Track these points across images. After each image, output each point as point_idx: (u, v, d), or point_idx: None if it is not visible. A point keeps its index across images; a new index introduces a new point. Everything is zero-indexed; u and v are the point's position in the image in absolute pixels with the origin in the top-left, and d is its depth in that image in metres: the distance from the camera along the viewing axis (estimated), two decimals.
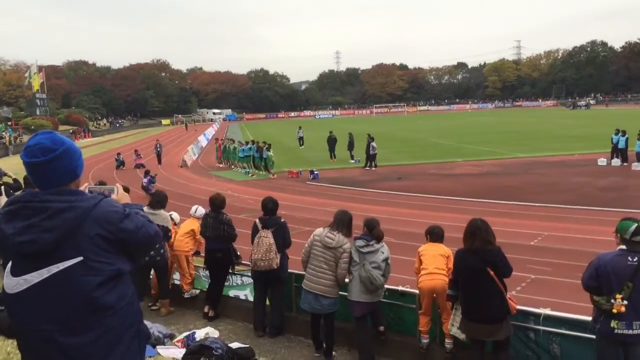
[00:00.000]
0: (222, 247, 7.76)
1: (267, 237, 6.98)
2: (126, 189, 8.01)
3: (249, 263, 7.44)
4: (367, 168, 26.56)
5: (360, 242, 6.22)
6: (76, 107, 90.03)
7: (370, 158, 26.67)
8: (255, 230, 7.15)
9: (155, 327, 6.10)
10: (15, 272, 2.17)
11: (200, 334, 6.00)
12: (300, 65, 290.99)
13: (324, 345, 6.50)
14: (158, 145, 34.63)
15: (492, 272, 5.10)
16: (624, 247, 4.50)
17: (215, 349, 5.37)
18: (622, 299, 4.34)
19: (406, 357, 6.34)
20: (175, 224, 8.68)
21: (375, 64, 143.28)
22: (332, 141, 31.24)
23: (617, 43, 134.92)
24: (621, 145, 24.59)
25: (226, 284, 8.17)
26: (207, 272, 8.19)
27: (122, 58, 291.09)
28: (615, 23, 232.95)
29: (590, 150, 28.46)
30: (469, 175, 23.50)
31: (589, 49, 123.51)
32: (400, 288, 6.61)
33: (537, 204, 16.46)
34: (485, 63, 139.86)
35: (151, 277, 8.43)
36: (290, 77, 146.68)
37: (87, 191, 2.51)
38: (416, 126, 61.43)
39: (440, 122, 66.89)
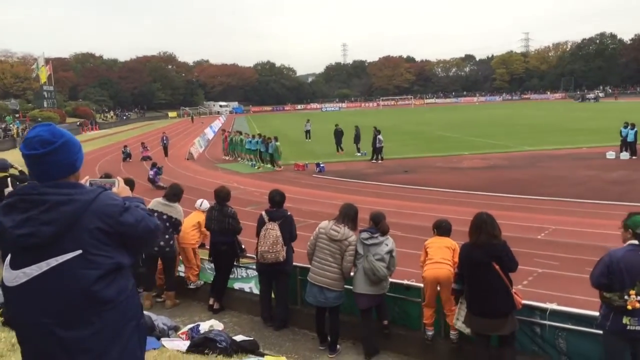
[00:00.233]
0: (226, 240, 7.75)
1: (273, 230, 6.96)
2: (131, 182, 8.08)
3: (253, 256, 7.42)
4: (373, 161, 26.50)
5: (365, 235, 6.25)
6: (83, 100, 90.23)
7: (377, 151, 26.59)
8: (261, 223, 7.13)
9: (160, 320, 6.10)
10: (14, 265, 2.15)
11: (204, 326, 6.00)
12: (307, 58, 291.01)
13: (329, 338, 6.49)
14: (164, 138, 34.66)
15: (497, 267, 5.06)
16: (635, 242, 4.42)
17: (220, 342, 5.38)
18: (636, 294, 4.28)
19: (411, 351, 6.32)
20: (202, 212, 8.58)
21: (382, 57, 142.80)
22: (338, 134, 31.18)
23: (626, 35, 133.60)
24: (630, 138, 24.38)
25: (231, 276, 8.17)
26: (212, 265, 8.19)
27: (129, 50, 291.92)
28: (625, 15, 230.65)
29: (599, 144, 28.24)
30: (475, 168, 23.38)
31: (598, 41, 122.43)
32: (405, 282, 6.59)
33: (544, 198, 16.36)
34: (493, 55, 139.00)
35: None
36: (297, 70, 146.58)
37: (88, 184, 2.49)
38: (423, 119, 61.18)
39: (447, 115, 66.58)
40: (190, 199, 9.29)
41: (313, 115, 56.83)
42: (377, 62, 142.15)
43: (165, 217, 7.81)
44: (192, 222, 8.41)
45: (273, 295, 7.42)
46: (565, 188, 17.76)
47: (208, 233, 8.16)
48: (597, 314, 4.77)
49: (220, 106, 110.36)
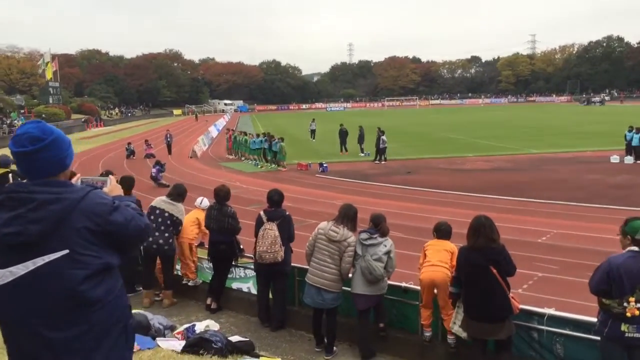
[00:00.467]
0: (225, 240, 7.72)
1: (272, 230, 6.93)
2: (131, 179, 8.07)
3: (252, 255, 7.40)
4: (376, 162, 26.46)
5: (364, 235, 6.24)
6: (89, 96, 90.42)
7: (380, 152, 26.55)
8: (259, 223, 7.10)
9: (156, 319, 6.09)
10: (0, 264, 2.13)
11: (200, 326, 5.98)
12: (313, 57, 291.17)
13: (325, 340, 6.47)
14: (168, 136, 34.70)
15: (495, 270, 5.02)
16: (634, 248, 4.37)
17: (215, 342, 5.36)
18: (635, 301, 4.24)
19: (408, 354, 6.28)
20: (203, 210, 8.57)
21: (388, 57, 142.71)
22: (343, 134, 31.15)
23: (633, 39, 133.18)
24: (635, 142, 24.26)
25: (229, 276, 8.14)
26: (211, 264, 8.17)
27: (135, 47, 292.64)
28: (633, 18, 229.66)
29: (604, 147, 28.15)
30: (479, 170, 23.32)
31: (604, 44, 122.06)
32: (403, 284, 6.55)
33: (547, 201, 16.29)
34: (499, 57, 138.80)
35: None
36: (302, 69, 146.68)
37: (79, 182, 2.47)
38: (427, 120, 61.08)
39: (451, 117, 66.47)
40: (192, 197, 9.27)
41: (318, 114, 56.74)
42: (383, 63, 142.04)
43: (167, 214, 7.81)
44: (191, 218, 8.41)
45: (271, 296, 7.40)
46: (568, 191, 17.68)
47: (207, 232, 8.14)
48: (595, 320, 4.72)
49: (225, 104, 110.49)
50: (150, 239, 7.75)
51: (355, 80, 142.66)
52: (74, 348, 2.15)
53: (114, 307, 2.26)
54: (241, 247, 8.08)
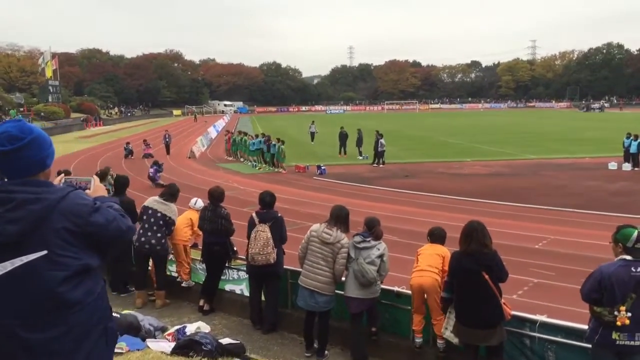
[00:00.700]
0: (219, 241, 7.70)
1: (264, 232, 6.90)
2: (125, 179, 8.04)
3: (244, 257, 7.37)
4: (374, 165, 26.43)
5: (357, 238, 6.24)
6: (88, 95, 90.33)
7: (379, 155, 26.52)
8: (251, 225, 7.07)
9: (146, 320, 6.05)
10: None
11: (191, 328, 5.95)
12: (313, 59, 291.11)
13: (317, 343, 6.43)
14: (167, 136, 34.65)
15: (487, 276, 5.00)
16: (626, 257, 4.34)
17: (205, 344, 5.32)
18: (626, 310, 4.21)
19: (400, 359, 6.25)
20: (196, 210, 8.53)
21: (388, 60, 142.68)
22: (343, 137, 31.12)
23: (633, 46, 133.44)
24: (633, 149, 24.26)
25: (222, 278, 8.11)
26: (204, 265, 8.14)
27: (135, 47, 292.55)
28: (633, 25, 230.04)
29: (602, 154, 28.14)
30: (477, 175, 23.30)
31: (604, 51, 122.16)
32: (395, 289, 6.53)
33: (544, 207, 16.26)
34: (499, 62, 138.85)
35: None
36: (303, 71, 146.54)
37: (63, 182, 2.44)
38: (426, 124, 61.08)
39: (451, 121, 66.47)
40: (188, 198, 9.24)
41: (317, 117, 56.67)
42: (383, 66, 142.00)
43: (159, 214, 7.79)
44: (185, 219, 8.39)
45: (263, 298, 7.36)
46: (565, 198, 17.66)
47: (201, 233, 8.11)
48: (586, 327, 4.70)
49: (225, 105, 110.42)
50: (143, 239, 7.74)
51: (355, 83, 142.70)
52: (53, 350, 2.12)
53: (94, 309, 2.23)
54: (235, 248, 8.05)
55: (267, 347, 6.59)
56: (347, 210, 6.44)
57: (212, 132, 48.53)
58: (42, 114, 58.18)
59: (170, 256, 8.39)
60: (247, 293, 7.82)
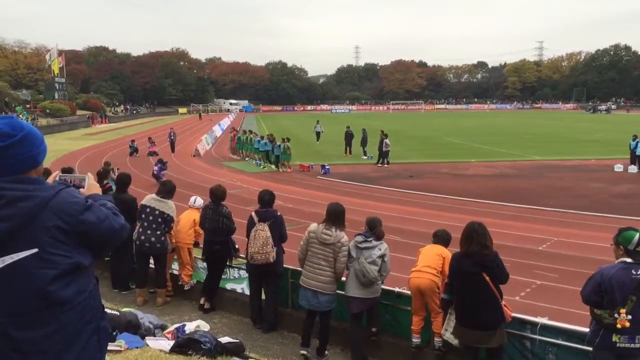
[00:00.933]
0: (220, 240, 7.67)
1: (263, 231, 6.88)
2: (127, 176, 8.03)
3: (244, 256, 7.35)
4: (379, 165, 26.38)
5: (359, 238, 6.22)
6: (95, 93, 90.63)
7: (383, 155, 26.47)
8: (251, 224, 7.05)
9: (146, 318, 6.03)
10: None
11: (190, 326, 5.91)
12: (319, 59, 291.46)
13: (318, 343, 6.40)
14: (172, 134, 34.68)
15: (487, 277, 4.96)
16: (626, 259, 4.30)
17: (204, 343, 5.29)
18: (626, 313, 4.17)
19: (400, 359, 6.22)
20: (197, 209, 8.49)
21: (394, 60, 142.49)
22: (348, 136, 31.08)
23: None
24: (639, 152, 24.12)
25: (223, 276, 8.09)
26: (205, 264, 8.12)
27: (142, 45, 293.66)
28: None
29: (608, 156, 27.99)
30: (481, 176, 23.22)
31: (612, 52, 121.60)
32: (396, 289, 6.49)
33: (549, 209, 16.19)
34: (505, 63, 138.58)
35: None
36: (308, 71, 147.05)
37: (57, 179, 2.42)
38: (432, 124, 60.95)
39: (456, 121, 66.32)
40: (189, 195, 9.23)
41: (322, 116, 56.68)
42: (389, 66, 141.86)
43: (157, 212, 7.77)
44: (189, 220, 8.24)
45: (263, 297, 7.34)
46: (570, 199, 17.57)
47: (201, 231, 8.08)
48: (587, 330, 4.66)
49: (231, 104, 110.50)
50: (142, 237, 7.73)
51: (361, 83, 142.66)
52: (43, 348, 2.10)
53: (85, 308, 2.20)
54: (236, 247, 8.03)
55: (267, 347, 6.57)
56: (343, 207, 6.40)
57: (217, 131, 48.58)
58: (48, 110, 58.41)
59: (175, 256, 8.39)
60: (247, 292, 7.80)
